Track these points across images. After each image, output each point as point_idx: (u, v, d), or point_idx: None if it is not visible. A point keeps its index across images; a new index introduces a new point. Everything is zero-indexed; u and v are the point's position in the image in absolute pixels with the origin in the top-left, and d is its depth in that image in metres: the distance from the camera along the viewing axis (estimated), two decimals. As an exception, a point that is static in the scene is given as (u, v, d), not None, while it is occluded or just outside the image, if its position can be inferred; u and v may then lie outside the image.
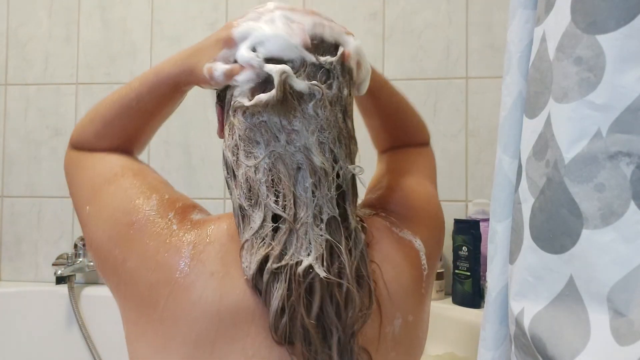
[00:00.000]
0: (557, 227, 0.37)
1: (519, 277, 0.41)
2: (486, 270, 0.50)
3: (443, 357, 1.02)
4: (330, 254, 0.48)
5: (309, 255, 0.47)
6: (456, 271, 1.17)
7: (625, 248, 0.33)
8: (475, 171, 1.28)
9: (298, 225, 0.47)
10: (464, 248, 1.15)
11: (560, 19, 0.37)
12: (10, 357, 1.31)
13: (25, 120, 1.42)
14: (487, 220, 1.15)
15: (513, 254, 0.43)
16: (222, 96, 0.55)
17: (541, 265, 0.38)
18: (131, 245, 0.50)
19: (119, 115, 0.58)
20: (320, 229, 0.48)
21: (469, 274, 1.15)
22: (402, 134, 0.71)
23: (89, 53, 1.42)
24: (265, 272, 0.46)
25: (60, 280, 1.31)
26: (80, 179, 0.58)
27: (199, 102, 1.35)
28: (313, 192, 0.48)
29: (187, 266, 0.48)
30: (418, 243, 0.58)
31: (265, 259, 0.47)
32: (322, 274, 0.46)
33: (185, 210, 0.53)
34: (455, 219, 1.20)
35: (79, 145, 0.60)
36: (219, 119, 0.56)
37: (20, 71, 1.43)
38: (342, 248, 0.48)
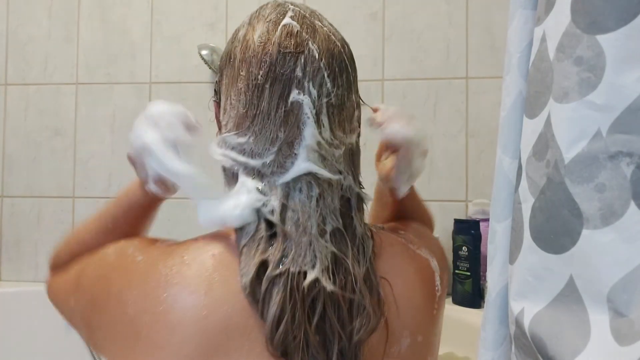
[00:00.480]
0: (557, 227, 0.36)
1: (519, 277, 0.41)
2: (486, 270, 0.50)
3: (443, 357, 1.01)
4: (336, 266, 0.46)
5: (314, 267, 0.45)
6: (456, 271, 1.17)
7: (625, 248, 0.33)
8: (475, 171, 1.28)
9: (298, 233, 0.46)
10: (464, 248, 1.15)
11: (560, 19, 0.37)
12: (10, 357, 1.31)
13: (25, 120, 1.42)
14: (487, 220, 1.15)
15: (513, 254, 0.43)
16: (219, 91, 0.54)
17: (541, 265, 0.38)
18: (106, 296, 0.49)
19: (96, 236, 0.58)
20: (326, 240, 0.46)
21: (469, 274, 1.15)
22: (411, 215, 0.71)
23: (88, 53, 1.42)
24: (265, 279, 0.44)
25: (60, 280, 1.31)
26: (61, 286, 0.60)
27: (198, 103, 1.35)
28: (317, 202, 0.47)
29: (163, 290, 0.45)
30: (434, 263, 0.56)
31: (263, 265, 0.45)
32: (330, 287, 0.44)
33: (145, 242, 0.51)
34: (455, 219, 1.20)
35: (58, 268, 0.62)
36: (216, 117, 0.55)
37: (20, 71, 1.43)
38: (349, 259, 0.46)
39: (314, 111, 0.47)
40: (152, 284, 0.46)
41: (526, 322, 0.39)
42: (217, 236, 0.50)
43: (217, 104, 0.55)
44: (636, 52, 0.32)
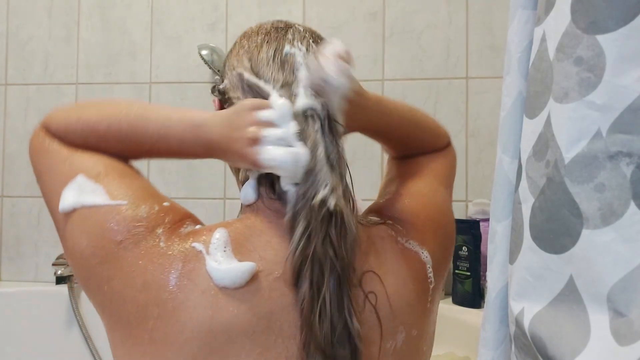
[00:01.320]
0: (557, 227, 0.37)
1: (519, 277, 0.41)
2: (486, 270, 0.50)
3: (443, 357, 1.02)
4: (333, 189, 0.48)
5: (325, 187, 0.47)
6: (456, 271, 1.17)
7: (625, 248, 0.33)
8: (475, 171, 1.28)
9: (312, 161, 0.48)
10: (464, 248, 1.15)
11: (560, 19, 0.37)
12: (10, 357, 1.31)
13: (25, 120, 1.42)
14: (487, 220, 1.15)
15: (513, 254, 0.43)
16: (222, 91, 0.56)
17: (541, 265, 0.38)
18: (118, 265, 0.47)
19: (123, 141, 0.52)
20: (329, 166, 0.48)
21: (469, 274, 1.15)
22: (414, 147, 0.68)
23: (89, 53, 1.42)
24: (297, 208, 0.47)
25: (60, 280, 1.31)
26: (56, 172, 0.52)
27: (199, 103, 1.35)
28: (322, 133, 0.49)
29: (176, 286, 0.45)
30: (425, 255, 0.55)
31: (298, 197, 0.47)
32: (332, 205, 0.46)
33: (174, 224, 0.50)
34: (455, 219, 1.19)
35: (57, 135, 0.54)
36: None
37: (20, 71, 1.43)
38: (341, 188, 0.49)
39: (305, 61, 0.52)
40: (167, 276, 0.46)
41: (526, 322, 0.39)
42: (236, 223, 0.51)
43: (220, 101, 0.57)
44: (636, 52, 0.32)
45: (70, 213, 0.50)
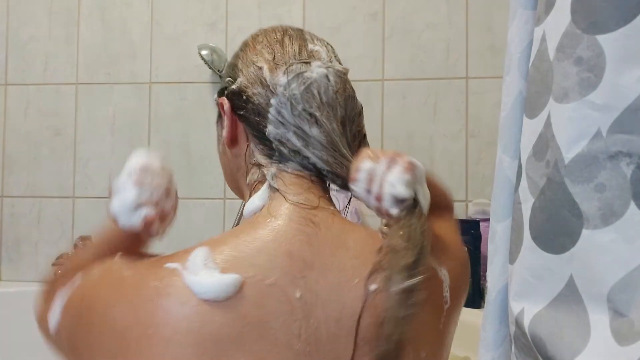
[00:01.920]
0: (557, 227, 0.36)
1: (519, 277, 0.41)
2: (486, 270, 0.50)
3: (443, 358, 1.01)
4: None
5: None
6: (456, 271, 1.17)
7: (625, 248, 0.32)
8: (475, 171, 1.28)
9: None
10: (464, 248, 1.16)
11: (560, 19, 0.37)
12: (10, 357, 1.31)
13: (25, 120, 1.42)
14: (487, 220, 1.15)
15: (513, 254, 0.43)
16: (237, 91, 0.53)
17: (541, 265, 0.38)
18: (91, 312, 0.47)
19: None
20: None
21: (469, 274, 1.15)
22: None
23: (89, 53, 1.42)
24: None
25: (60, 280, 1.31)
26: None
27: (199, 102, 1.35)
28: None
29: (154, 303, 0.44)
30: (443, 272, 0.52)
31: None
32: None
33: (132, 257, 0.50)
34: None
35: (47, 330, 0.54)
36: (230, 125, 0.54)
37: (20, 71, 1.43)
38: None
39: (329, 62, 0.53)
40: (143, 297, 0.45)
41: (526, 322, 0.39)
42: (221, 237, 0.49)
43: (232, 104, 0.55)
44: (636, 52, 0.32)
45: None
